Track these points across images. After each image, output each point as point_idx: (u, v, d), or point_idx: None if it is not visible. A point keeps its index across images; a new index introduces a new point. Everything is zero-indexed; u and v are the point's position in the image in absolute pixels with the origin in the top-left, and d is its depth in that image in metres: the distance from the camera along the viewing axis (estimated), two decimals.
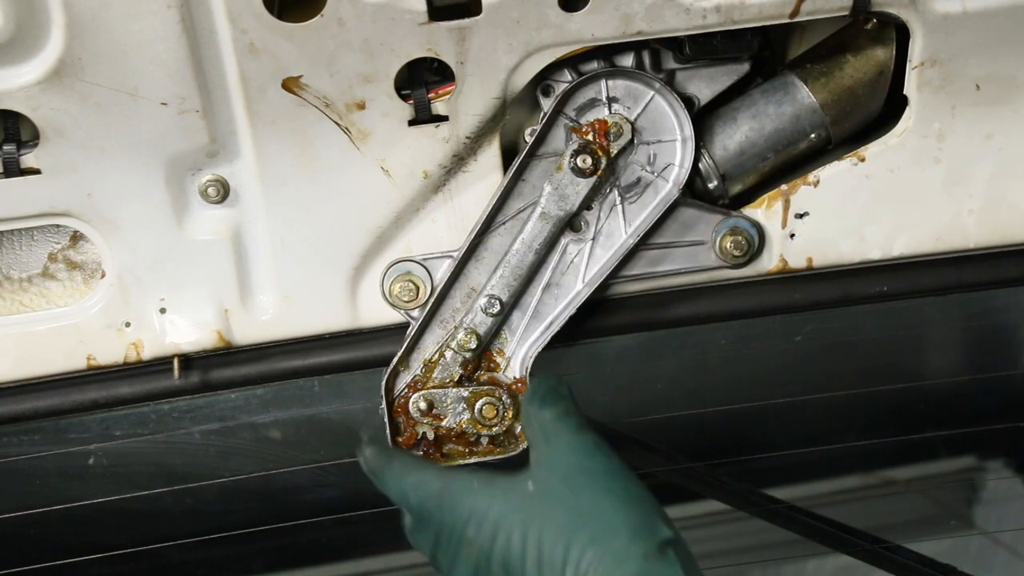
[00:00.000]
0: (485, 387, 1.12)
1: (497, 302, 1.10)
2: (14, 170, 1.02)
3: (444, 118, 1.04)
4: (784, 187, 1.12)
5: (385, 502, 1.05)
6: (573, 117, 1.08)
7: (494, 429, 1.12)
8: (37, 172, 1.02)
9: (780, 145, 1.11)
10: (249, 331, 1.12)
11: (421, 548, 1.01)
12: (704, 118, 1.11)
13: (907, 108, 1.09)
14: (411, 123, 1.04)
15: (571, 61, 1.06)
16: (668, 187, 1.10)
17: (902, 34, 1.07)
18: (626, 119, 1.08)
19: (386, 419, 1.11)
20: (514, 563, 0.94)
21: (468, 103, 1.03)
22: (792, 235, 1.13)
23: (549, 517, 0.93)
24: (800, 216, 1.12)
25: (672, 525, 0.94)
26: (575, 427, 0.98)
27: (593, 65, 1.08)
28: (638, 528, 0.91)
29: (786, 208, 1.12)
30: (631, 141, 1.08)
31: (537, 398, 1.00)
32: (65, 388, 1.13)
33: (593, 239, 1.11)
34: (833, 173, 1.11)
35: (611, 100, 1.08)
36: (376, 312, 1.12)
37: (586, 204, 1.09)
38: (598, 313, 1.14)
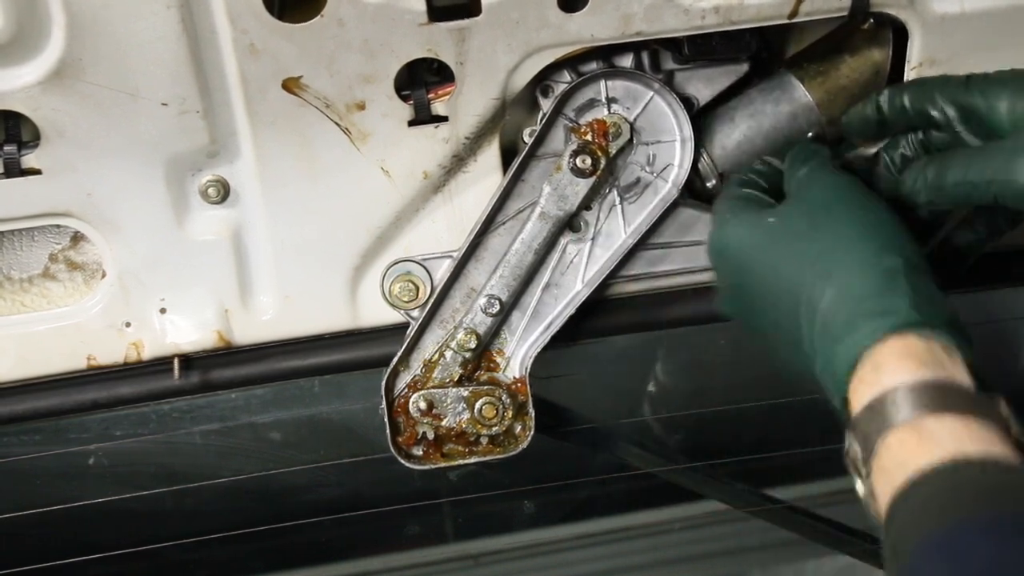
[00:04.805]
0: (485, 387, 1.12)
1: (497, 302, 1.10)
2: (15, 170, 1.02)
3: (444, 118, 1.04)
4: None
5: (385, 502, 1.05)
6: (572, 117, 1.08)
7: (494, 429, 1.12)
8: (38, 172, 1.02)
9: (778, 144, 1.11)
10: (249, 331, 1.12)
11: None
12: (702, 118, 1.11)
13: None
14: (411, 124, 1.04)
15: (570, 61, 1.06)
16: (667, 187, 1.10)
17: (900, 34, 1.07)
18: (625, 119, 1.08)
19: (386, 419, 1.12)
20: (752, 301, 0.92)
21: (468, 103, 1.03)
22: None
23: (785, 253, 0.90)
24: None
25: (908, 245, 0.87)
26: (827, 171, 0.95)
27: (592, 65, 1.08)
28: (867, 261, 0.85)
29: None
30: (630, 141, 1.09)
31: (796, 160, 0.98)
32: (65, 388, 1.13)
33: (592, 239, 1.11)
34: None
35: (610, 100, 1.08)
36: (376, 312, 1.13)
37: (585, 204, 1.09)
38: (598, 313, 1.14)
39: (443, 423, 1.12)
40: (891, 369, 0.79)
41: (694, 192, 1.13)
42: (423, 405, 1.11)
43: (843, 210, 0.91)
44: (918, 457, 0.73)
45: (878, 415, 0.77)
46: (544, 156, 1.09)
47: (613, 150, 1.08)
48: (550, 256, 1.11)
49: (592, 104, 1.08)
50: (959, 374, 0.78)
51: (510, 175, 1.08)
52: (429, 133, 1.05)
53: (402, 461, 1.13)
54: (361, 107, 1.02)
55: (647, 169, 1.10)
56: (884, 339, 0.80)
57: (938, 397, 0.76)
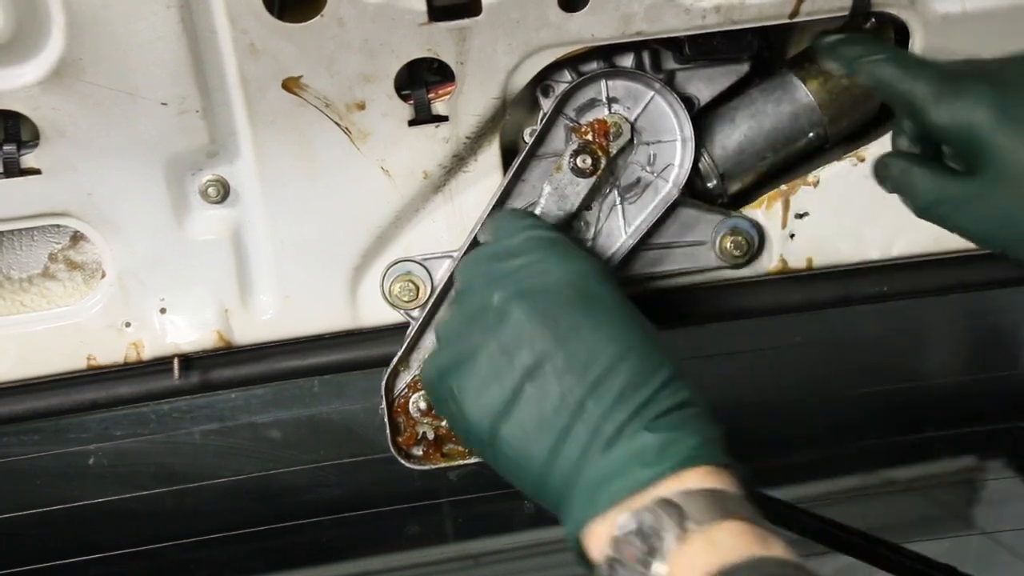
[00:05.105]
0: None
1: None
2: (14, 170, 1.02)
3: (444, 118, 1.04)
4: (784, 187, 1.12)
5: (385, 502, 1.05)
6: (573, 117, 1.08)
7: None
8: (37, 172, 1.02)
9: (778, 144, 1.11)
10: (249, 331, 1.12)
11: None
12: (703, 118, 1.11)
13: None
14: (411, 123, 1.04)
15: (571, 61, 1.06)
16: (668, 187, 1.10)
17: (901, 34, 1.07)
18: (626, 119, 1.08)
19: (386, 419, 1.12)
20: None
21: (468, 103, 1.03)
22: (792, 235, 1.13)
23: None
24: (800, 216, 1.12)
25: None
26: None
27: (593, 65, 1.08)
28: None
29: (786, 208, 1.12)
30: (631, 141, 1.08)
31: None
32: (65, 388, 1.13)
33: (593, 239, 1.11)
34: (833, 173, 1.11)
35: (611, 100, 1.08)
36: (376, 312, 1.12)
37: (586, 204, 1.09)
38: None
39: (443, 423, 1.12)
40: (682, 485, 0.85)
41: (695, 192, 1.13)
42: (423, 405, 1.11)
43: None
44: (726, 554, 0.80)
45: (667, 520, 0.82)
46: (544, 156, 1.09)
47: (614, 150, 1.08)
48: None
49: (593, 104, 1.08)
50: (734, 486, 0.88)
51: (510, 175, 1.08)
52: (429, 133, 1.05)
53: (402, 461, 1.12)
54: (361, 107, 1.02)
55: (648, 169, 1.10)
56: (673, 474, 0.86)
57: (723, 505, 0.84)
